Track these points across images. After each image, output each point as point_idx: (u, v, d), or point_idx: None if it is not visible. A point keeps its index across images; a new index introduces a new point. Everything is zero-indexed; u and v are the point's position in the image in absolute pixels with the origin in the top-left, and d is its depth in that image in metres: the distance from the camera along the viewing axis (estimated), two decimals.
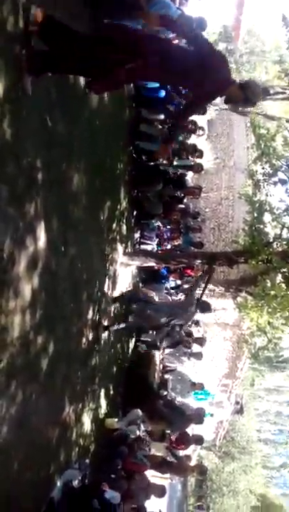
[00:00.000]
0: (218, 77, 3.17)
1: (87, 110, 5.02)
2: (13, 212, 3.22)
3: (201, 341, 8.96)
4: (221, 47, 22.62)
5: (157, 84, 6.95)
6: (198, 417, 7.79)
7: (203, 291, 6.79)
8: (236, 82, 3.25)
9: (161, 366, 8.39)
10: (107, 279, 6.25)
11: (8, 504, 3.31)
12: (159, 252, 8.84)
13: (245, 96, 3.20)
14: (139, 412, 6.48)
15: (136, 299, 6.31)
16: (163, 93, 7.03)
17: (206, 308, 6.93)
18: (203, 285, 6.89)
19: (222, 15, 15.77)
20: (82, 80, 4.50)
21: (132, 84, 6.78)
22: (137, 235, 8.35)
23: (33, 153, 3.50)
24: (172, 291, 9.78)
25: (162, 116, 7.29)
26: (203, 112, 8.43)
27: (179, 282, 10.07)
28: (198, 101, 3.56)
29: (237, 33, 22.23)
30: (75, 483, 4.48)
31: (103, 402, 6.05)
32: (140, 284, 8.67)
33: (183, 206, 9.48)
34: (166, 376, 8.17)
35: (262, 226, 9.74)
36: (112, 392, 6.47)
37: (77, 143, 4.66)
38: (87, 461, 5.16)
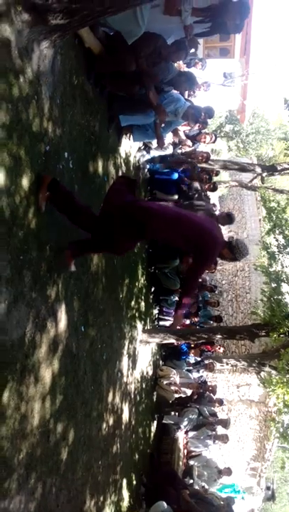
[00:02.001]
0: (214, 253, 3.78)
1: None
2: (35, 296, 3.29)
3: (225, 423, 8.50)
4: (227, 128, 24.06)
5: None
6: (228, 507, 7.18)
7: None
8: (227, 243, 3.80)
9: (185, 451, 7.92)
10: (126, 358, 6.14)
11: None
12: (178, 327, 8.74)
13: (233, 256, 3.79)
14: (164, 504, 6.00)
15: None
16: (176, 175, 7.40)
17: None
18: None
19: (228, 101, 16.97)
20: (101, 170, 4.80)
21: (146, 170, 7.17)
22: (155, 311, 8.33)
23: (55, 239, 3.64)
24: (192, 368, 9.52)
25: (176, 197, 7.60)
26: (214, 189, 8.77)
27: (198, 359, 9.82)
28: (198, 270, 3.93)
29: (242, 116, 23.71)
30: None
31: (125, 494, 5.65)
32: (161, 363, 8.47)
33: (200, 281, 9.53)
34: (191, 462, 7.67)
35: (280, 297, 9.66)
36: (134, 481, 6.07)
37: None
38: None
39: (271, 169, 11.03)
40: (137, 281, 7.10)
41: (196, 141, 7.81)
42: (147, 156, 6.85)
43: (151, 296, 8.04)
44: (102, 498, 4.79)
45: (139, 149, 6.63)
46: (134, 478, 6.08)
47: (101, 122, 4.99)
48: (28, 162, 3.14)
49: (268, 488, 19.61)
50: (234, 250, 3.74)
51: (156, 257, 7.86)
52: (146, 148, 6.68)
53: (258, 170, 10.80)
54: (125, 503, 5.64)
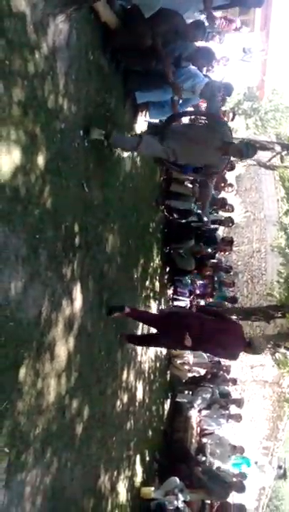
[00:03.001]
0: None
1: (121, 174, 5.23)
2: (51, 275, 3.30)
3: (239, 402, 8.56)
4: (245, 106, 23.47)
5: None
6: (240, 484, 7.29)
7: None
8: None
9: (198, 429, 8.02)
10: None
11: None
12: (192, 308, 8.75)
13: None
14: (177, 480, 6.12)
15: None
16: None
17: None
18: None
19: (246, 77, 16.48)
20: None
21: None
22: (170, 292, 8.33)
23: (70, 219, 3.63)
24: None
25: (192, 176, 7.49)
26: (232, 169, 8.61)
27: None
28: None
29: (261, 92, 23.06)
30: None
31: (139, 469, 5.77)
32: None
33: (215, 261, 9.46)
34: (204, 440, 7.77)
35: None
36: (147, 458, 6.19)
37: (112, 205, 4.82)
38: None
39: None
40: (151, 261, 7.09)
41: None
42: None
43: (165, 277, 8.04)
44: (115, 473, 4.90)
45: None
46: (147, 454, 6.19)
47: (117, 99, 4.90)
48: (43, 140, 3.11)
49: (279, 467, 19.84)
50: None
51: (171, 237, 7.82)
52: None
53: (278, 148, 10.55)
54: (138, 478, 5.76)
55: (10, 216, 2.74)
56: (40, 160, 3.08)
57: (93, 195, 4.18)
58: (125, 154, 5.14)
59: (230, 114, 7.39)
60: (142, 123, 5.92)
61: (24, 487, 2.98)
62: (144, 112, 5.79)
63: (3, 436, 2.70)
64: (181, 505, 5.84)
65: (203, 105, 7.59)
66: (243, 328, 5.04)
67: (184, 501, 5.97)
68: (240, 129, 21.66)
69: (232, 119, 7.61)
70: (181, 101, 5.51)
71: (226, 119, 7.33)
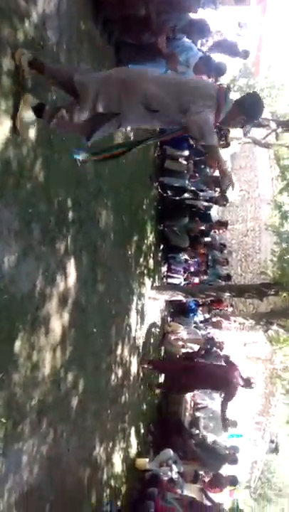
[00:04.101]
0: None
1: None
2: (44, 250, 3.30)
3: None
4: (241, 83, 23.14)
5: None
6: (233, 456, 7.49)
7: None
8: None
9: (192, 403, 8.17)
10: (135, 314, 6.24)
11: None
12: (187, 285, 8.80)
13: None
14: (171, 451, 6.28)
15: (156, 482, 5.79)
16: None
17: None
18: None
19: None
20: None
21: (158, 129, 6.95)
22: (164, 269, 8.36)
23: (63, 193, 3.61)
24: (201, 324, 9.66)
25: (186, 153, 7.43)
26: (227, 146, 8.53)
27: (207, 316, 9.94)
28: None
29: (257, 69, 22.68)
30: None
31: (134, 441, 5.90)
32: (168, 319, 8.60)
33: (209, 239, 9.49)
34: (198, 414, 7.94)
35: None
36: (142, 430, 6.32)
37: (105, 181, 4.79)
38: (119, 503, 5.00)
39: (287, 125, 10.67)
40: (145, 238, 7.09)
41: None
42: None
43: (159, 254, 8.06)
44: (111, 445, 5.01)
45: None
46: (142, 427, 6.32)
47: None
48: None
49: (271, 441, 20.33)
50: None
51: (165, 214, 7.81)
52: None
53: (273, 125, 10.46)
54: (133, 450, 5.89)
55: (1, 190, 2.72)
56: (32, 132, 3.04)
57: (86, 170, 4.15)
58: None
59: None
60: None
61: (21, 456, 3.05)
62: None
63: (0, 406, 2.74)
64: (175, 475, 6.01)
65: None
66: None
67: (178, 472, 6.13)
68: None
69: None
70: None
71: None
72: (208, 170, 8.00)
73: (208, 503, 6.66)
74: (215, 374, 6.24)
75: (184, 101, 2.64)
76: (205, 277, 9.45)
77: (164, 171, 7.56)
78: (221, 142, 7.62)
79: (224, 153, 9.69)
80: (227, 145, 8.30)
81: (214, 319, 10.04)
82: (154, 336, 7.42)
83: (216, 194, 8.64)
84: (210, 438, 7.83)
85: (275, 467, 24.39)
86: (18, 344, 2.94)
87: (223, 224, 9.58)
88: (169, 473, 5.99)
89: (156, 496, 5.55)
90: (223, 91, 2.75)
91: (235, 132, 14.03)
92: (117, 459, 5.21)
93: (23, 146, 2.94)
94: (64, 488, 3.72)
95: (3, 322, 2.77)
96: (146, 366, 6.38)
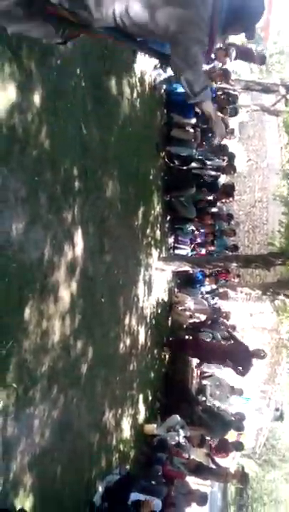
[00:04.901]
0: None
1: (120, 117, 5.08)
2: (52, 218, 3.29)
3: None
4: None
5: None
6: (239, 423, 7.65)
7: None
8: None
9: (198, 372, 8.30)
10: (142, 285, 6.26)
11: (51, 503, 3.36)
12: (194, 256, 8.78)
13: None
14: (178, 417, 6.42)
15: (163, 447, 5.98)
16: None
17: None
18: None
19: None
20: (114, 89, 4.58)
21: (163, 90, 6.79)
22: (171, 240, 8.33)
23: (69, 162, 3.57)
24: (207, 295, 9.69)
25: (194, 120, 7.25)
26: (235, 114, 8.32)
27: (214, 286, 9.96)
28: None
29: (266, 33, 21.92)
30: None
31: (142, 408, 6.04)
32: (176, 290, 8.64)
33: (216, 210, 9.39)
34: (204, 382, 8.07)
35: None
36: (150, 397, 6.45)
37: (111, 150, 4.72)
38: (128, 466, 5.16)
39: None
40: (152, 209, 7.04)
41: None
42: (164, 75, 6.45)
43: (166, 225, 8.01)
44: (120, 411, 5.13)
45: (155, 67, 6.24)
46: (149, 394, 6.45)
47: None
48: (39, 76, 2.99)
49: (276, 409, 20.78)
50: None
51: (172, 184, 7.70)
52: (163, 65, 6.27)
53: (283, 91, 10.14)
54: (141, 416, 6.04)
55: (7, 156, 2.69)
56: (37, 98, 2.98)
57: (92, 138, 4.08)
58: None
59: (233, 54, 7.00)
60: (141, 62, 5.67)
61: (33, 420, 3.13)
62: None
63: (11, 372, 2.80)
64: (182, 440, 6.17)
65: None
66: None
67: (185, 436, 6.29)
68: (243, 73, 20.80)
69: (234, 59, 7.23)
70: None
71: (227, 58, 6.98)
72: (215, 138, 7.83)
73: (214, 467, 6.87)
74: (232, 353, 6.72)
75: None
76: (212, 248, 9.40)
77: (171, 139, 7.42)
78: (229, 109, 7.45)
79: (233, 122, 9.47)
80: (235, 113, 8.12)
81: (221, 290, 10.05)
82: (162, 306, 7.47)
83: (224, 163, 8.50)
84: (217, 405, 7.99)
85: (280, 434, 24.98)
86: (27, 312, 2.97)
87: (228, 189, 9.30)
88: (176, 438, 6.16)
89: (164, 460, 5.73)
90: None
91: (243, 100, 13.67)
92: (126, 425, 5.34)
93: (28, 112, 2.88)
94: (75, 451, 3.83)
95: (13, 290, 2.79)
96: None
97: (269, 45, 22.31)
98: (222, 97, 7.53)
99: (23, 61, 2.79)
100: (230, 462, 9.30)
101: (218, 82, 7.30)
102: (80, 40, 3.69)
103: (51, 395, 3.36)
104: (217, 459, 7.08)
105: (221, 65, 7.28)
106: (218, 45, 7.09)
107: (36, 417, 3.16)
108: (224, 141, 8.90)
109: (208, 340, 7.62)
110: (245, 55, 7.11)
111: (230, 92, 7.54)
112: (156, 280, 6.97)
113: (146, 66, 5.96)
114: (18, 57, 2.72)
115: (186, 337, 7.75)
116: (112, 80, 4.70)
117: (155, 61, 5.87)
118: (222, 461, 7.29)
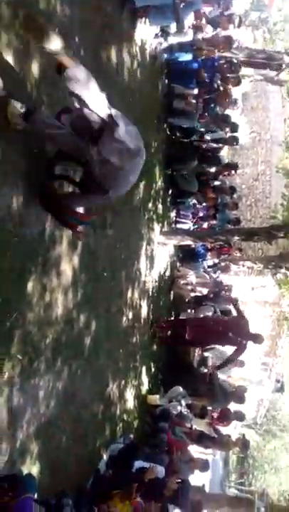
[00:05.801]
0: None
1: (120, 87, 4.97)
2: None
3: None
4: (253, 16, 21.70)
5: (190, 57, 6.75)
6: (240, 394, 7.78)
7: None
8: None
9: None
10: (144, 259, 6.27)
11: (57, 472, 3.47)
12: (196, 230, 8.76)
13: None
14: (180, 388, 6.55)
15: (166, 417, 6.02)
16: (196, 65, 6.82)
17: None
18: None
19: None
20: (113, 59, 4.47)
21: (164, 59, 6.61)
22: (173, 214, 8.29)
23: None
24: (209, 269, 9.71)
25: (196, 91, 7.09)
26: (238, 84, 8.12)
27: (216, 261, 9.97)
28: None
29: (271, 1, 21.21)
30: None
31: (145, 379, 6.15)
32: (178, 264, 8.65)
33: (219, 183, 9.30)
34: (206, 354, 8.18)
35: None
36: (153, 369, 6.55)
37: None
38: (132, 436, 5.28)
39: None
40: (154, 183, 6.97)
41: (217, 25, 7.06)
42: (165, 44, 6.27)
43: (168, 199, 7.95)
44: (123, 382, 5.23)
45: (156, 35, 6.06)
46: (152, 366, 6.55)
47: (114, 2, 4.53)
48: (36, 51, 2.91)
49: (277, 381, 21.10)
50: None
51: (173, 158, 7.61)
52: (164, 34, 6.09)
53: (287, 60, 9.86)
54: (144, 387, 6.15)
55: (4, 128, 2.65)
56: (35, 67, 2.91)
57: None
58: None
59: (236, 20, 6.79)
60: (141, 30, 5.51)
61: (38, 391, 3.20)
62: (143, 18, 5.37)
63: (16, 344, 2.84)
64: (184, 409, 6.30)
65: (207, 10, 7.03)
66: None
67: (187, 405, 6.43)
68: (247, 42, 20.21)
69: (238, 26, 7.01)
70: (183, 4, 5.10)
71: (231, 25, 6.77)
72: (218, 109, 7.68)
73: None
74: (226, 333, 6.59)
75: None
76: (214, 222, 9.37)
77: (173, 111, 7.27)
78: (232, 78, 7.28)
79: (236, 92, 9.26)
80: (238, 83, 7.92)
81: (223, 264, 10.07)
82: (164, 280, 7.49)
83: (226, 135, 8.36)
84: (218, 377, 8.11)
85: (280, 405, 25.46)
86: (30, 285, 2.99)
87: (232, 166, 9.29)
88: (178, 408, 6.28)
89: (167, 430, 5.86)
90: None
91: (246, 70, 13.34)
92: (129, 396, 5.45)
93: (27, 81, 2.82)
94: (80, 421, 3.93)
95: (15, 263, 2.81)
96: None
97: (273, 13, 21.60)
98: (224, 65, 7.32)
99: (21, 30, 2.72)
100: (232, 431, 9.52)
101: (221, 50, 7.09)
102: (78, 4, 3.59)
103: (55, 367, 3.42)
104: (219, 428, 7.25)
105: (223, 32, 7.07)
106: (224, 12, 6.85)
107: (41, 387, 3.23)
108: (227, 111, 8.73)
109: (209, 314, 7.66)
110: None
111: (233, 60, 7.32)
112: (158, 254, 6.98)
113: (146, 35, 5.79)
114: (14, 27, 2.65)
115: (184, 317, 7.69)
116: (112, 50, 4.57)
117: (156, 29, 5.71)
118: (224, 429, 7.47)
